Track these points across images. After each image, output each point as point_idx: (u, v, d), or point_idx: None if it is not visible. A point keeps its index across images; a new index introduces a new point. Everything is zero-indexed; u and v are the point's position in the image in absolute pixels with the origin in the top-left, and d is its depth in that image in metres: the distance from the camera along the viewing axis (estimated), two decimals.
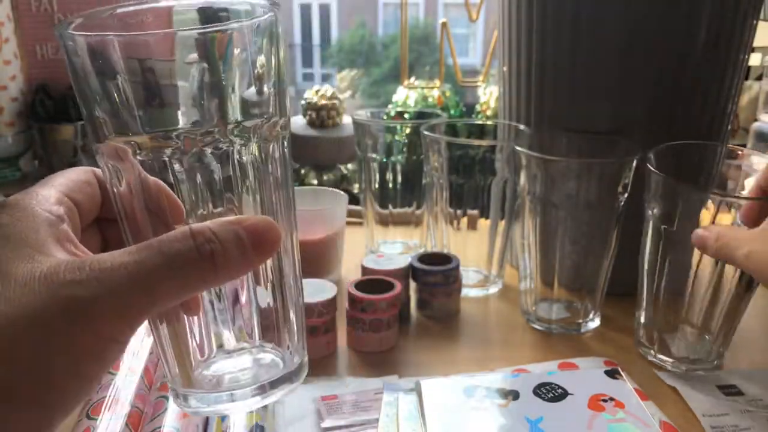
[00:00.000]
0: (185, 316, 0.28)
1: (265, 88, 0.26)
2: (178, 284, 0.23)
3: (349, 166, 1.09)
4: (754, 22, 0.58)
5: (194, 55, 0.24)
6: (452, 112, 1.06)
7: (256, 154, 0.27)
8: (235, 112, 0.25)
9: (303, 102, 1.05)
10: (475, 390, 0.45)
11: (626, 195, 0.54)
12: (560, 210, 0.54)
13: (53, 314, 0.21)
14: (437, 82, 1.08)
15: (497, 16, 0.66)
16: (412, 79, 1.08)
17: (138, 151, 0.25)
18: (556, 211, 0.55)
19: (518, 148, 0.55)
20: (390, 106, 1.07)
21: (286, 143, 0.28)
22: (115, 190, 0.27)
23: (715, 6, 0.54)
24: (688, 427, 0.44)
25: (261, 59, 0.26)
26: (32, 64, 1.35)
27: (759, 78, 1.05)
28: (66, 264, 0.22)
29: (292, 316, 0.30)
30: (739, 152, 0.52)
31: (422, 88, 1.07)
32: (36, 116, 1.32)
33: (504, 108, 0.68)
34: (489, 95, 1.05)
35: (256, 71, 0.25)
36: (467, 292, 0.65)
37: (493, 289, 0.67)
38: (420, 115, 0.80)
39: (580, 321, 0.58)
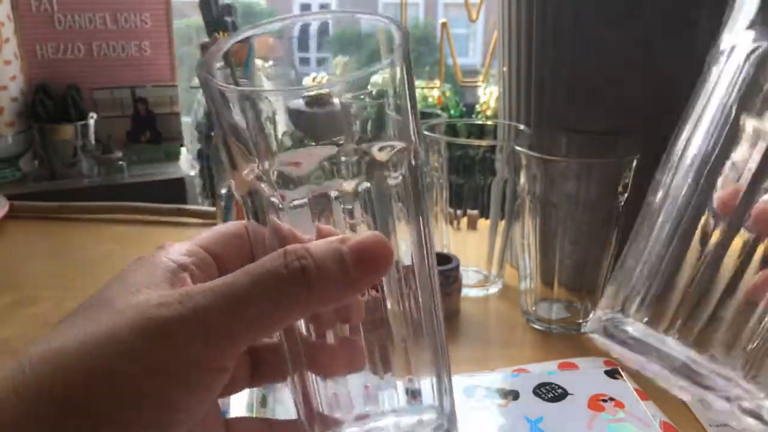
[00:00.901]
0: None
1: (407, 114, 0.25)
2: (267, 306, 0.21)
3: None
4: None
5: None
6: (452, 112, 1.06)
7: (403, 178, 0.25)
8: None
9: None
10: (475, 390, 0.45)
11: (626, 195, 0.54)
12: (560, 210, 0.54)
13: (134, 334, 0.20)
14: (437, 83, 1.08)
15: (497, 16, 0.66)
16: None
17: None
18: (556, 211, 0.55)
19: (518, 148, 0.55)
20: None
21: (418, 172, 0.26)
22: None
23: (716, 6, 0.54)
24: (688, 427, 0.44)
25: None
26: (32, 64, 1.35)
27: None
28: (162, 293, 0.22)
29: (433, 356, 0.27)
30: None
31: (422, 88, 1.07)
32: (36, 116, 1.32)
33: (504, 108, 0.68)
34: (489, 95, 1.05)
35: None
36: (467, 292, 0.65)
37: (493, 289, 0.67)
38: (420, 115, 0.80)
39: (580, 321, 0.58)
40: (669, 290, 0.26)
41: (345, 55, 0.25)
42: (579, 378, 0.46)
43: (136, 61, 1.57)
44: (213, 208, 0.87)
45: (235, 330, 0.21)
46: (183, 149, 1.78)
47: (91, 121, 1.41)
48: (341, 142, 0.24)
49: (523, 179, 0.56)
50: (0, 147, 1.25)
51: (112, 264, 0.72)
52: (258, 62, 0.25)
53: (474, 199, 0.64)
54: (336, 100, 0.24)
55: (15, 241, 0.83)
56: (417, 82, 1.08)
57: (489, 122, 0.85)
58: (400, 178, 0.25)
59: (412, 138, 0.25)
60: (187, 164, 1.72)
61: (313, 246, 0.22)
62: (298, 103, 0.24)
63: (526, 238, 0.58)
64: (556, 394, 0.44)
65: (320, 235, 0.24)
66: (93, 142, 1.42)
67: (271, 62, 0.26)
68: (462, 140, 0.66)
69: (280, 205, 0.24)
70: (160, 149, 1.65)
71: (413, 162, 0.25)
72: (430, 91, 1.04)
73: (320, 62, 0.26)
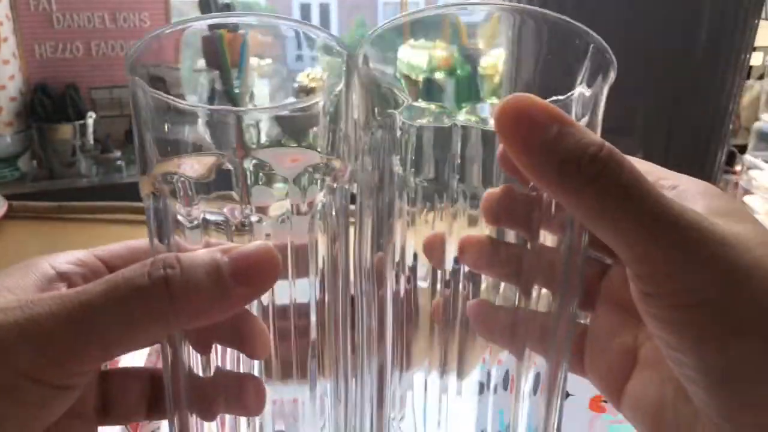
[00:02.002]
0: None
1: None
2: (121, 318, 0.19)
3: None
4: (756, 21, 0.57)
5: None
6: None
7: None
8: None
9: (295, 85, 1.05)
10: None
11: None
12: None
13: None
14: None
15: None
16: None
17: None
18: None
19: None
20: None
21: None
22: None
23: (716, 6, 0.54)
24: None
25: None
26: (31, 63, 1.35)
27: (760, 78, 1.05)
28: (10, 297, 0.20)
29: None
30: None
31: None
32: (35, 116, 1.32)
33: None
34: None
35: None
36: None
37: None
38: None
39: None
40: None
41: (332, 56, 0.24)
42: (580, 378, 0.46)
43: None
44: None
45: (80, 344, 0.19)
46: None
47: (90, 121, 1.41)
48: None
49: None
50: None
51: None
52: (254, 61, 0.25)
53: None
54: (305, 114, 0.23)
55: (14, 241, 0.83)
56: None
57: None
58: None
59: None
60: None
61: (187, 255, 0.20)
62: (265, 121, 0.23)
63: None
64: None
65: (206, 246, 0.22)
66: (92, 141, 1.42)
67: (268, 60, 0.26)
68: None
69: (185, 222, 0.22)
70: None
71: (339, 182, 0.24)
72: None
73: (314, 59, 0.26)
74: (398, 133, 0.22)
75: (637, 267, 0.19)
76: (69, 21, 1.47)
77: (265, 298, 0.23)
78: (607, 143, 0.19)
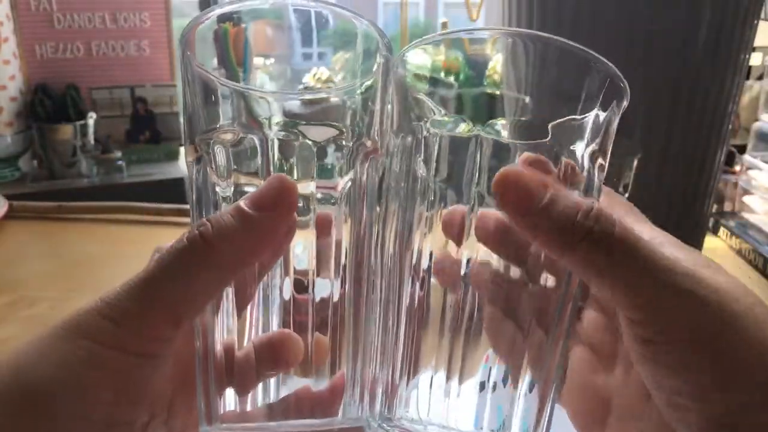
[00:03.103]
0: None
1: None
2: (176, 280, 0.22)
3: None
4: (755, 21, 0.57)
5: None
6: None
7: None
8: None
9: (301, 86, 1.05)
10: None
11: (626, 195, 0.54)
12: None
13: (57, 335, 0.22)
14: None
15: (497, 16, 0.66)
16: None
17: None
18: None
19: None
20: None
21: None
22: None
23: (716, 6, 0.54)
24: None
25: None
26: (31, 63, 1.35)
27: (760, 78, 1.05)
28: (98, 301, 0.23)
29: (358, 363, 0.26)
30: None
31: None
32: (35, 116, 1.32)
33: None
34: None
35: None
36: None
37: None
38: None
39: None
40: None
41: (344, 51, 0.25)
42: None
43: (135, 60, 1.56)
44: None
45: (149, 311, 0.22)
46: (182, 149, 1.77)
47: (91, 121, 1.41)
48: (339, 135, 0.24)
49: None
50: None
51: (111, 264, 0.71)
52: (258, 60, 0.25)
53: None
54: (334, 99, 0.24)
55: (14, 242, 0.83)
56: None
57: None
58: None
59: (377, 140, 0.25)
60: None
61: (215, 213, 0.23)
62: (294, 104, 0.25)
63: None
64: None
65: None
66: (92, 141, 1.42)
67: (272, 60, 0.26)
68: None
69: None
70: (159, 149, 1.65)
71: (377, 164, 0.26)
72: None
73: (320, 56, 0.27)
74: (423, 139, 0.24)
75: (634, 313, 0.20)
76: (69, 21, 1.47)
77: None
78: (595, 203, 0.21)
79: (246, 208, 0.22)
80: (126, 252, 0.75)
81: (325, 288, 0.25)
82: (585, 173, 0.24)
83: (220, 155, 0.24)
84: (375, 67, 0.24)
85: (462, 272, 0.24)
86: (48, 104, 1.32)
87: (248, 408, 0.26)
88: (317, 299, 0.25)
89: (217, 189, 0.24)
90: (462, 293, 0.24)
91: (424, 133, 0.24)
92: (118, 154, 1.52)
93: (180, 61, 0.24)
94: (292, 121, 0.24)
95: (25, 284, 0.68)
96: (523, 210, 0.21)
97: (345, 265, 0.25)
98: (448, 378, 0.25)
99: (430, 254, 0.25)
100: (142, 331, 0.22)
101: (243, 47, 0.24)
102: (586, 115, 0.24)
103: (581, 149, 0.24)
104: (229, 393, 0.25)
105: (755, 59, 1.03)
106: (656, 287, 0.20)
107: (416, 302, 0.25)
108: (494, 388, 0.25)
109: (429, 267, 0.25)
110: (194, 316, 0.24)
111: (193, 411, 0.25)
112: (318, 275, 0.25)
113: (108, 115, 1.57)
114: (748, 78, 1.01)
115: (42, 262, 0.76)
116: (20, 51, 1.29)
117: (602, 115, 0.24)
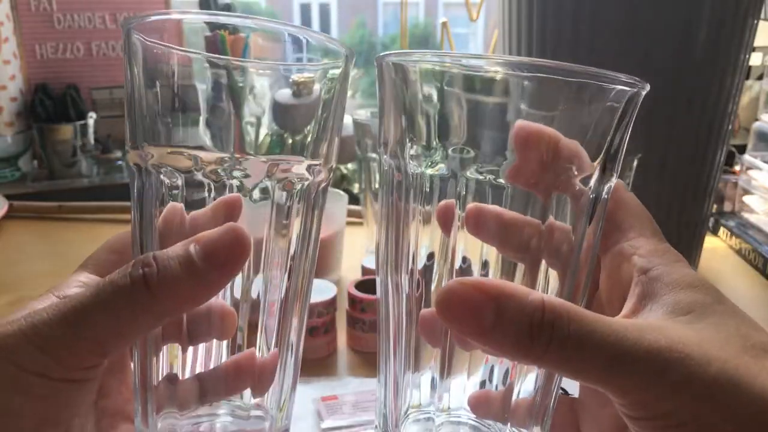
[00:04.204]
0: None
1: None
2: (108, 316, 0.21)
3: (349, 165, 1.09)
4: (755, 21, 0.57)
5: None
6: None
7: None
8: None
9: (290, 80, 1.05)
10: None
11: None
12: None
13: None
14: None
15: (497, 16, 0.66)
16: None
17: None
18: None
19: None
20: None
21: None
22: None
23: (716, 6, 0.54)
24: None
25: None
26: (31, 63, 1.35)
27: (760, 78, 1.05)
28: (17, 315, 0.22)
29: (290, 372, 0.27)
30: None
31: None
32: (35, 116, 1.32)
33: None
34: None
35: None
36: None
37: None
38: None
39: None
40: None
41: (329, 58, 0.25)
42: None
43: None
44: None
45: (75, 341, 0.21)
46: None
47: (91, 121, 1.41)
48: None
49: None
50: None
51: None
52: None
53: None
54: (316, 87, 0.24)
55: (14, 241, 0.83)
56: None
57: None
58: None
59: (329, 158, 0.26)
60: None
61: (162, 251, 0.22)
62: (285, 94, 0.24)
63: None
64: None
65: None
66: (92, 141, 1.42)
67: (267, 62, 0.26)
68: None
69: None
70: None
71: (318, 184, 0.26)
72: None
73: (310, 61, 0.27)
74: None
75: (614, 399, 0.20)
76: (69, 21, 1.47)
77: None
78: (545, 298, 0.20)
79: (196, 259, 0.21)
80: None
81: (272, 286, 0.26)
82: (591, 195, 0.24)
83: (171, 177, 0.24)
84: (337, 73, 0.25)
85: (457, 266, 0.24)
86: (48, 104, 1.32)
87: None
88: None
89: (163, 178, 0.24)
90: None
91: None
92: (118, 154, 1.52)
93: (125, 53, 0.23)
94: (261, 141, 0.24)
95: (24, 284, 0.68)
96: (473, 335, 0.20)
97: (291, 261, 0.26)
98: (448, 378, 0.25)
99: (429, 254, 0.25)
100: (68, 360, 0.22)
101: (242, 53, 0.24)
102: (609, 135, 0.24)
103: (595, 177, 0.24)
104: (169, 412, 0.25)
105: (755, 59, 1.03)
106: (620, 376, 0.20)
107: (415, 302, 0.25)
108: (495, 388, 0.25)
109: (426, 266, 0.25)
110: (123, 350, 0.23)
111: (122, 387, 0.26)
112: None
113: (108, 115, 1.57)
114: (748, 78, 1.01)
115: (42, 262, 0.76)
116: (20, 51, 1.29)
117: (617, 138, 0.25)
